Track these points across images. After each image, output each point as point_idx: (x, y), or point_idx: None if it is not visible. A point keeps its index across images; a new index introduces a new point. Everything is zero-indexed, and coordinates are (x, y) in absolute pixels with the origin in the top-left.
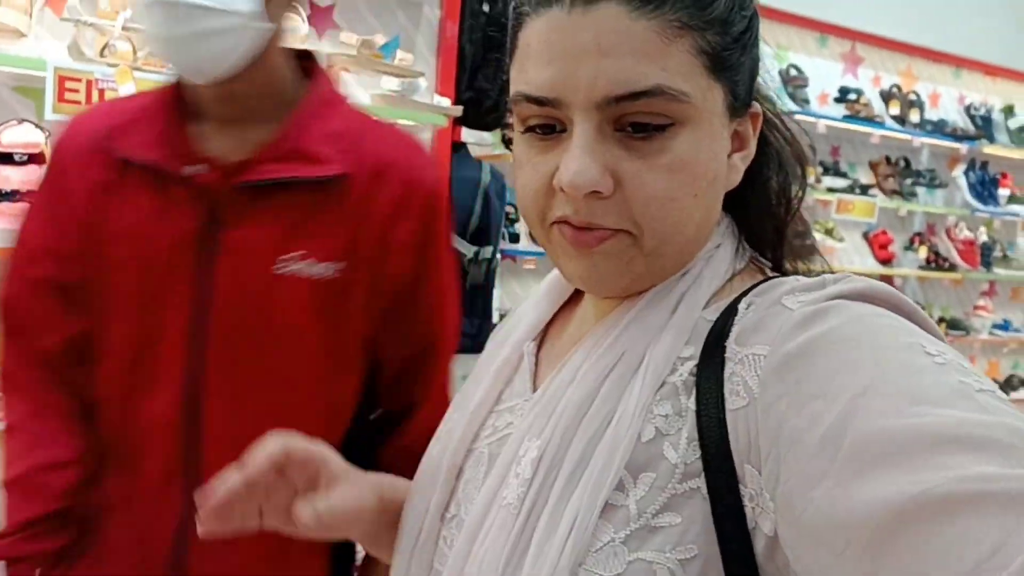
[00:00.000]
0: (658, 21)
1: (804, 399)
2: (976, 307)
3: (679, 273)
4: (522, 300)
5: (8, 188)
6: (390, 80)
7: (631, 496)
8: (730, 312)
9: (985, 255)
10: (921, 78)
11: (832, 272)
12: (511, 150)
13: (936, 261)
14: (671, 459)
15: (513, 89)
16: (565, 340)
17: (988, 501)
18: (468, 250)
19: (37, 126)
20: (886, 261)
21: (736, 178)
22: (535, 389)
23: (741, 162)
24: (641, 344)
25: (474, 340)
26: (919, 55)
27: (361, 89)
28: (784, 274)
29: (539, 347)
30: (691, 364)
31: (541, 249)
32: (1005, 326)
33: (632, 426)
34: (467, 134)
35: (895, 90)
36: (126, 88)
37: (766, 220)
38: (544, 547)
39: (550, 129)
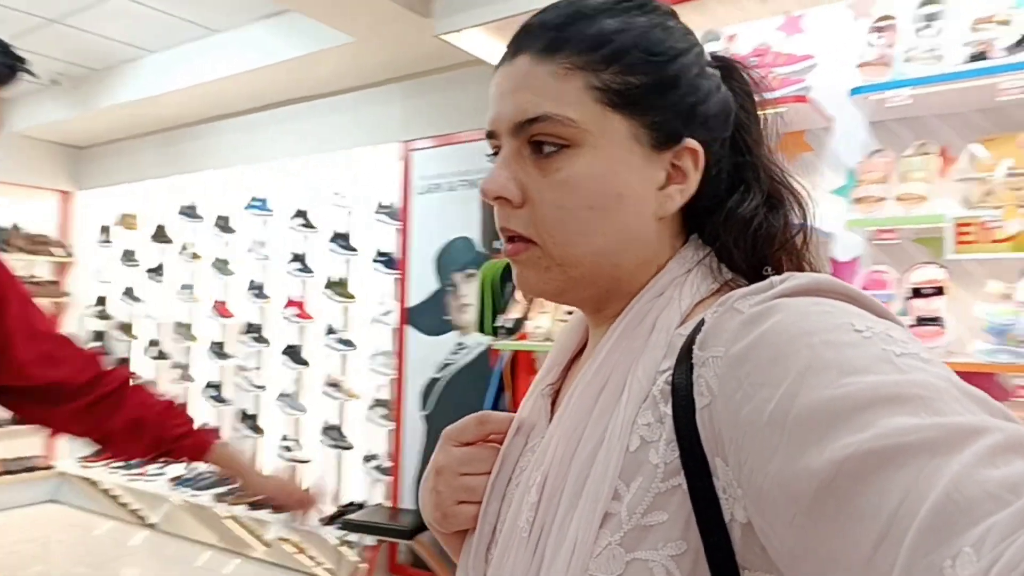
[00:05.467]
0: (554, 65)
1: (754, 389)
2: None
3: (649, 297)
4: None
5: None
6: None
7: (624, 500)
8: (700, 324)
9: None
10: None
11: None
12: None
13: None
14: (654, 461)
15: None
16: (576, 377)
17: (900, 452)
18: None
19: (940, 266)
20: None
21: (671, 207)
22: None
23: (679, 194)
24: (624, 366)
25: None
26: None
27: None
28: None
29: (561, 388)
30: (668, 374)
31: None
32: None
33: (621, 439)
34: None
35: None
36: (1012, 225)
37: (737, 251)
38: (553, 563)
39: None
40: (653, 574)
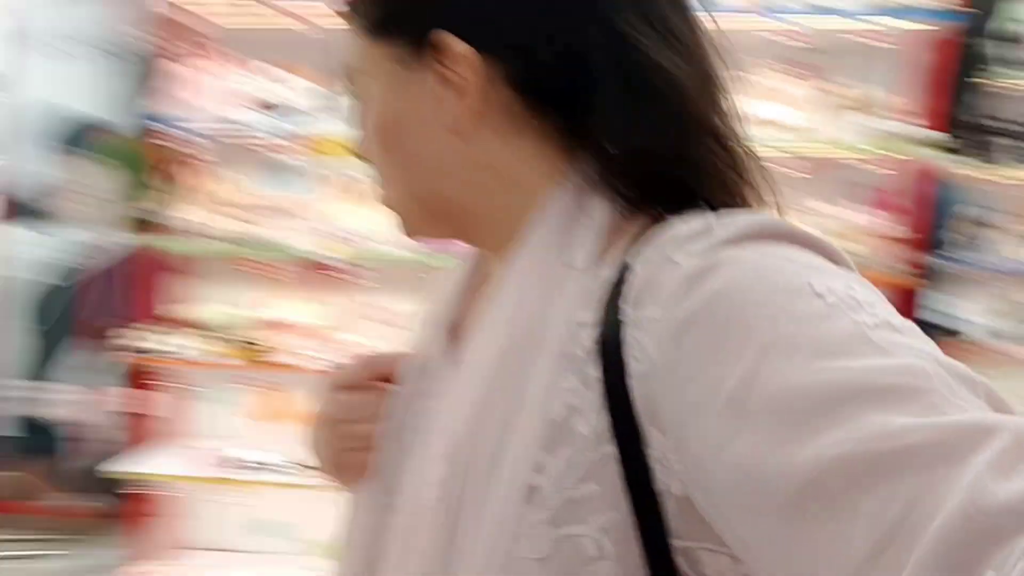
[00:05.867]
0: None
1: (705, 363)
2: None
3: (548, 229)
4: None
5: None
6: None
7: (549, 474)
8: (623, 268)
9: None
10: None
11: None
12: None
13: None
14: (583, 431)
15: None
16: (477, 316)
17: (902, 456)
18: None
19: None
20: None
21: (457, 117)
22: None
23: (458, 100)
24: (533, 315)
25: None
26: None
27: None
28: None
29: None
30: (590, 329)
31: None
32: None
33: (543, 406)
34: None
35: None
36: None
37: (629, 167)
38: (474, 545)
39: None
40: (583, 549)
